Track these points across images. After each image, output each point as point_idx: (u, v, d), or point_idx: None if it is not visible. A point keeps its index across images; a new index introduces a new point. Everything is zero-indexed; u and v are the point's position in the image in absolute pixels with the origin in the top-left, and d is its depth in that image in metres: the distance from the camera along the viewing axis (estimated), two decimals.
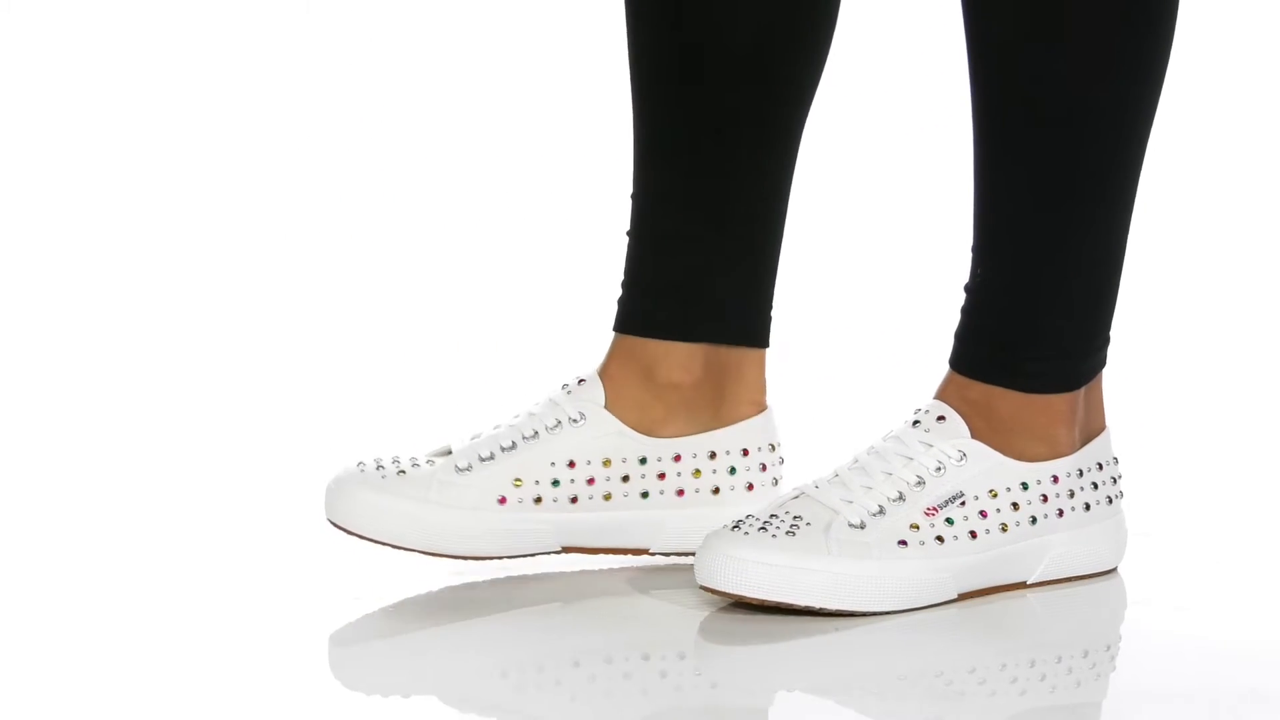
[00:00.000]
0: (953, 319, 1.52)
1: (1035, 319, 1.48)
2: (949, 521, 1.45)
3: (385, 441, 1.67)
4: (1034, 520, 1.48)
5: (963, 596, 1.47)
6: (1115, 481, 1.52)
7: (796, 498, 1.46)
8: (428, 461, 1.51)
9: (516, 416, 1.53)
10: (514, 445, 1.51)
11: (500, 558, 1.52)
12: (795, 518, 1.44)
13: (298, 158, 2.92)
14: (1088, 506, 1.50)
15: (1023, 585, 1.50)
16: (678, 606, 1.47)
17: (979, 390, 1.49)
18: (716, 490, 1.55)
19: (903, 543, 1.44)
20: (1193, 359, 2.41)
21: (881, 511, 1.44)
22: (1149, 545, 1.61)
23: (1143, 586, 1.54)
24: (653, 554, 1.56)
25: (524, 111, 2.89)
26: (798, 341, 1.76)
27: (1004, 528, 1.47)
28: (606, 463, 1.52)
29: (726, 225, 1.54)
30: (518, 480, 1.50)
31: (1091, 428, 1.51)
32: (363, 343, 2.51)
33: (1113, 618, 1.50)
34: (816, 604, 1.42)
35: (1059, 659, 1.39)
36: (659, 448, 1.53)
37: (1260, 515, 1.78)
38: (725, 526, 1.45)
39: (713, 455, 1.55)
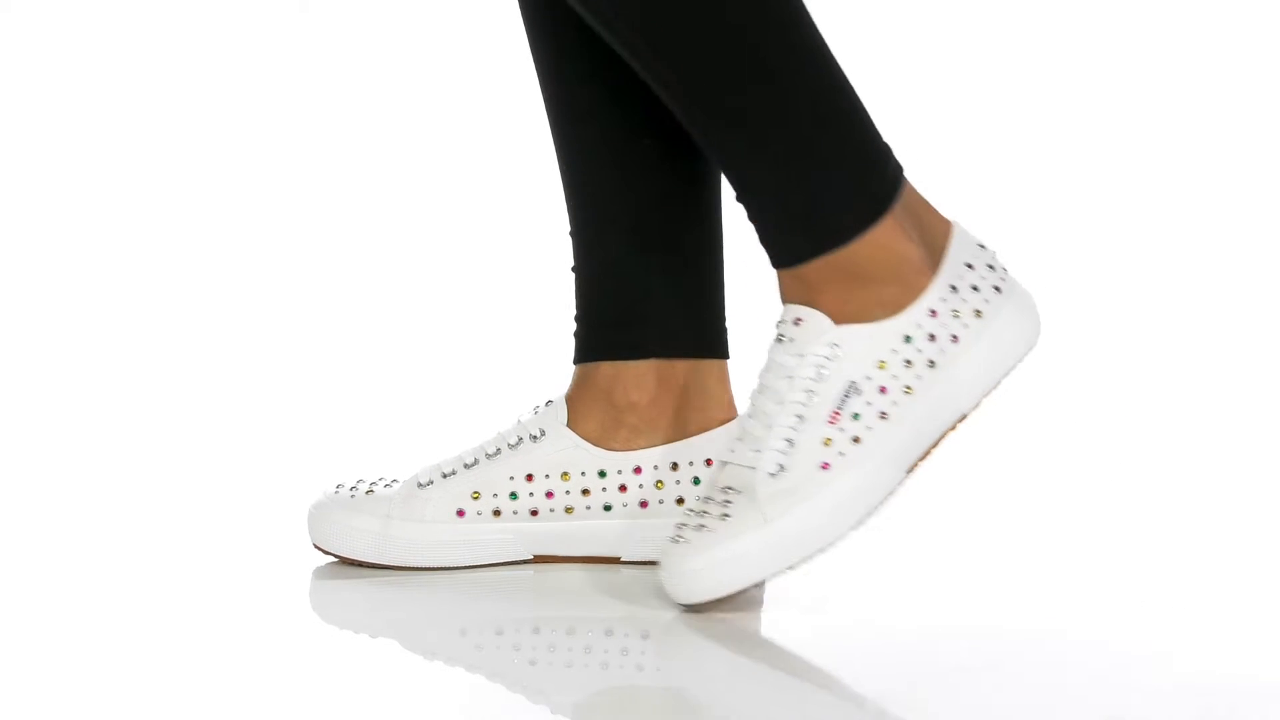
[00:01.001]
0: None
1: (790, 180, 1.41)
2: (855, 417, 1.40)
3: (382, 453, 1.71)
4: (932, 364, 1.42)
5: (921, 460, 1.42)
6: (992, 269, 1.44)
7: (723, 467, 1.43)
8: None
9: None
10: (476, 462, 1.53)
11: (467, 567, 1.53)
12: (726, 490, 1.41)
13: (281, 171, 2.92)
14: (978, 313, 1.43)
15: (963, 419, 1.43)
16: (646, 589, 1.46)
17: (811, 271, 1.42)
18: (681, 500, 1.53)
19: (825, 465, 1.39)
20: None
21: (790, 444, 1.40)
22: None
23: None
24: (624, 562, 1.53)
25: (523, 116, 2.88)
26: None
27: (908, 389, 1.40)
28: (565, 476, 1.52)
29: (660, 246, 1.54)
30: (476, 493, 1.52)
31: (936, 234, 1.44)
32: (364, 352, 2.51)
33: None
34: (775, 572, 1.39)
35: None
36: (617, 460, 1.53)
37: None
38: (669, 538, 1.42)
39: (674, 466, 1.53)
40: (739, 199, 1.44)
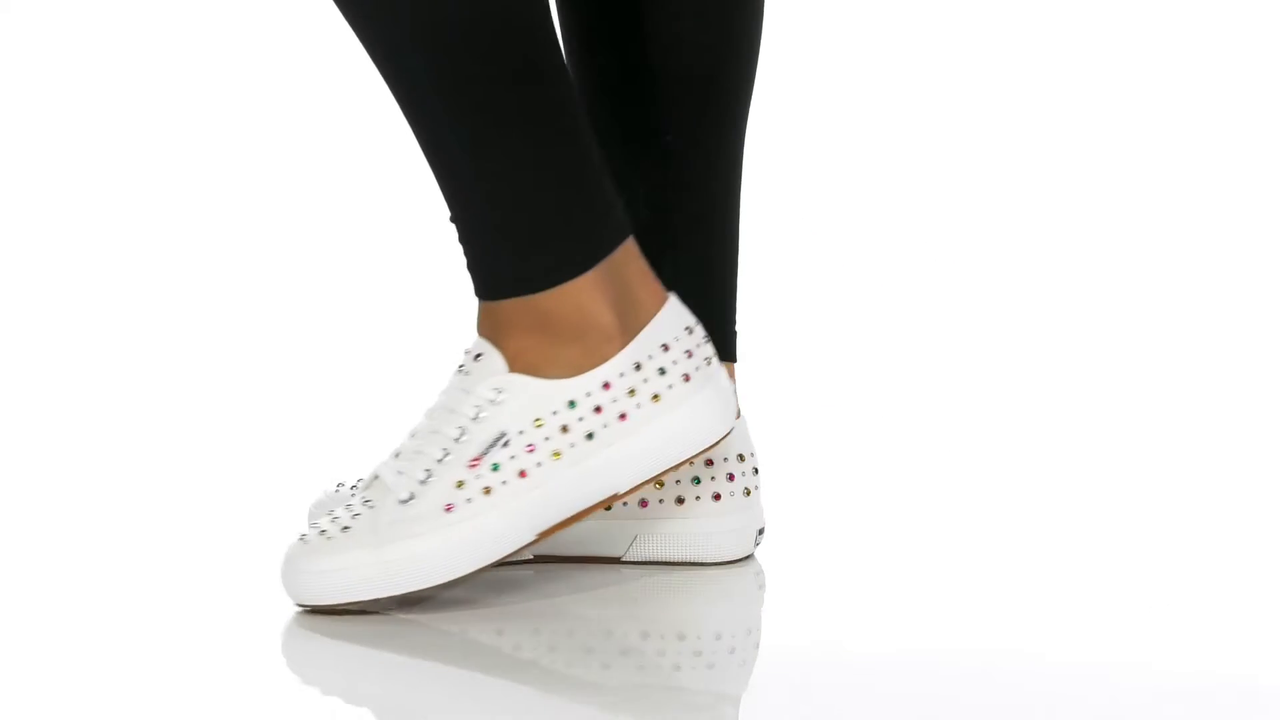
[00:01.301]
0: (924, 323, 1.50)
1: (499, 209, 1.40)
2: (495, 468, 1.39)
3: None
4: (590, 436, 1.40)
5: (543, 535, 1.40)
6: (693, 354, 1.43)
7: (374, 477, 1.41)
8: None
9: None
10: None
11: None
12: (365, 503, 1.40)
13: (275, 172, 2.91)
14: (656, 397, 1.41)
15: (616, 498, 1.42)
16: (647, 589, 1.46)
17: (504, 310, 1.41)
18: (681, 500, 1.51)
19: (449, 507, 1.38)
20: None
21: (429, 475, 1.39)
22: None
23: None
24: (624, 561, 1.51)
25: None
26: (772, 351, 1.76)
27: (556, 454, 1.39)
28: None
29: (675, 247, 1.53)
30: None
31: (641, 308, 1.42)
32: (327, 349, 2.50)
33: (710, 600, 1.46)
34: (372, 595, 1.38)
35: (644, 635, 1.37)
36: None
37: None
38: (302, 532, 1.42)
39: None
40: (452, 218, 1.41)
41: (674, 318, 1.43)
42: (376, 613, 1.39)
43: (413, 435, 1.41)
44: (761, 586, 1.47)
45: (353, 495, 1.42)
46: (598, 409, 1.40)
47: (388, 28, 1.38)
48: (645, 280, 1.43)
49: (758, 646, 1.38)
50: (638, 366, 1.41)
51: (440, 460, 1.39)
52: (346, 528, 1.38)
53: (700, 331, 1.45)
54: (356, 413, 2.15)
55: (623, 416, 1.41)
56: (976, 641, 1.37)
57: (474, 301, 1.43)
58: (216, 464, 1.94)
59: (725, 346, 1.54)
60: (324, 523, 1.40)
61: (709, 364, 1.44)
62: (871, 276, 2.64)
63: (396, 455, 1.41)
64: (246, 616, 1.42)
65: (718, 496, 1.51)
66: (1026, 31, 2.94)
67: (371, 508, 1.39)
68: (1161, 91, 2.90)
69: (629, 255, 1.42)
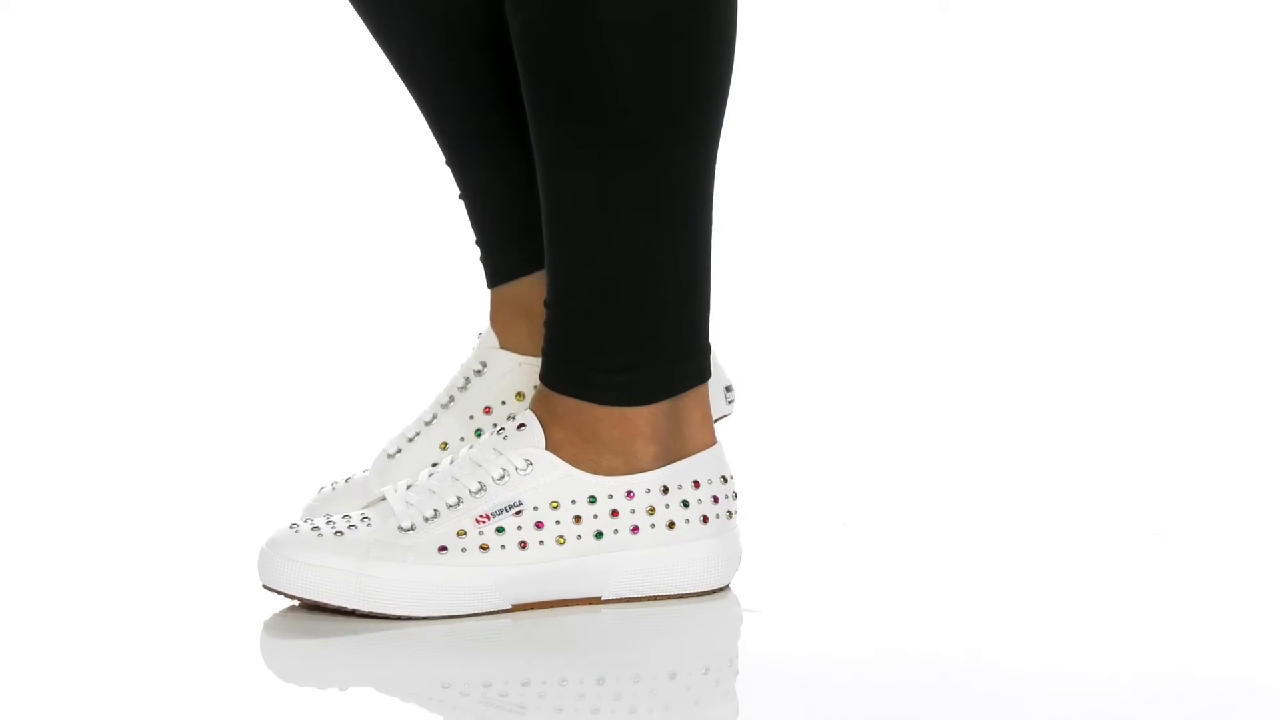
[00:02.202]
0: (894, 343, 1.50)
1: (601, 329, 1.45)
2: (499, 530, 1.44)
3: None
4: (599, 535, 1.46)
5: (518, 608, 1.45)
6: (720, 500, 1.49)
7: (381, 500, 1.46)
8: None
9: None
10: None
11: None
12: (363, 518, 1.44)
13: (268, 172, 2.92)
14: (672, 525, 1.47)
15: (597, 600, 1.47)
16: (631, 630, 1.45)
17: (561, 403, 1.46)
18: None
19: (443, 549, 1.43)
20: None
21: (435, 515, 1.43)
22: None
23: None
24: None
25: None
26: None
27: (560, 540, 1.44)
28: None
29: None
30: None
31: (688, 444, 1.48)
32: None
33: (692, 636, 1.46)
34: (339, 603, 1.42)
35: (636, 677, 1.35)
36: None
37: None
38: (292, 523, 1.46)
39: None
40: (552, 303, 1.46)
41: (714, 462, 1.49)
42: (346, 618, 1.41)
43: (431, 474, 1.46)
44: (742, 615, 1.47)
45: (358, 512, 1.46)
46: (614, 513, 1.46)
47: None
48: (702, 423, 1.49)
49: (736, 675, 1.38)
50: (665, 490, 1.47)
51: (451, 506, 1.43)
52: (340, 533, 1.42)
53: (733, 486, 1.50)
54: (349, 413, 2.15)
55: (635, 530, 1.46)
56: (965, 660, 1.37)
57: (465, 306, 1.46)
58: (209, 462, 1.95)
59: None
60: (320, 521, 1.44)
61: (730, 517, 1.49)
62: (854, 287, 2.64)
63: (409, 487, 1.45)
64: (225, 613, 1.45)
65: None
66: (1025, 31, 2.95)
67: (369, 525, 1.43)
68: (1161, 92, 2.91)
69: (697, 399, 1.48)
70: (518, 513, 1.44)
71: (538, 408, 1.47)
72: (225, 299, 2.64)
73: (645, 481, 1.46)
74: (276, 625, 1.44)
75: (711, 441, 1.49)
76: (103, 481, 1.88)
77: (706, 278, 1.47)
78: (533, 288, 1.56)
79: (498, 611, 1.44)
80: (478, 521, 1.43)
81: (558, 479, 1.45)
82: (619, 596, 1.47)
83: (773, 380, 2.22)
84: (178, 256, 2.76)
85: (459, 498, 1.43)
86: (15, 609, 1.51)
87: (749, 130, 2.66)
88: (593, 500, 1.45)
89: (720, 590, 1.48)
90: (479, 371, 1.56)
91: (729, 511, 1.49)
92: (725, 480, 1.49)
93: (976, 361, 2.32)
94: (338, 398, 2.24)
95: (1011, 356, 2.35)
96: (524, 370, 1.56)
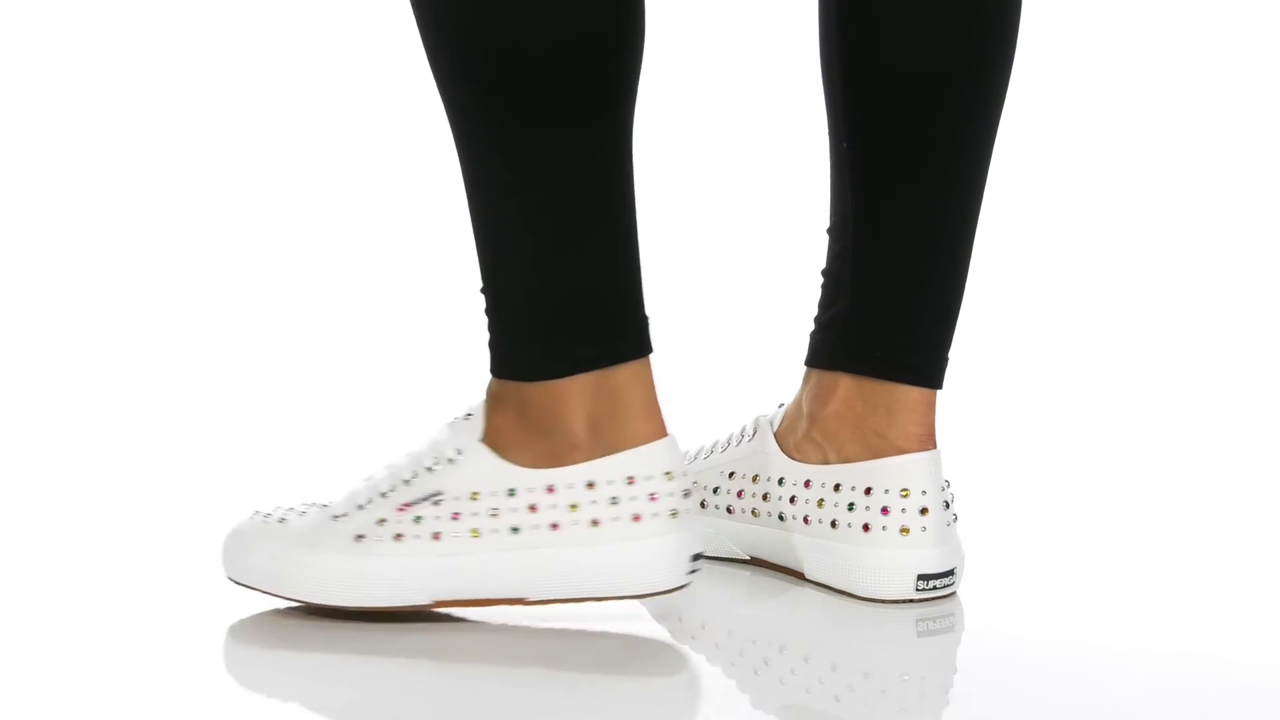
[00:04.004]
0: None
1: (521, 305, 1.39)
2: (417, 520, 1.38)
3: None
4: (515, 530, 1.38)
5: (441, 604, 1.39)
6: (659, 498, 1.37)
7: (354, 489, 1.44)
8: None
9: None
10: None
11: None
12: (322, 506, 1.42)
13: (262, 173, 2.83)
14: (595, 522, 1.37)
15: (522, 601, 1.39)
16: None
17: (498, 387, 1.41)
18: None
19: (360, 537, 1.39)
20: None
21: (367, 504, 1.40)
22: None
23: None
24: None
25: None
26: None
27: (474, 533, 1.38)
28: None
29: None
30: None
31: (627, 436, 1.37)
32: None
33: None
34: (257, 587, 1.41)
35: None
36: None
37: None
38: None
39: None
40: (484, 288, 1.40)
41: (657, 457, 1.37)
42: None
43: (387, 465, 1.41)
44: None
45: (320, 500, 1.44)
46: (532, 508, 1.37)
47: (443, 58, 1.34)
48: (647, 410, 1.38)
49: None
50: (590, 485, 1.37)
51: (383, 495, 1.39)
52: (283, 520, 1.41)
53: (682, 483, 1.38)
54: (343, 412, 2.15)
55: (554, 526, 1.37)
56: (978, 641, 1.37)
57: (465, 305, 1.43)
58: (218, 459, 1.93)
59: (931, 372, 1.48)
60: (285, 509, 1.43)
61: (673, 516, 1.37)
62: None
63: (367, 478, 1.41)
64: (191, 602, 1.45)
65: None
66: (1025, 32, 2.85)
67: (319, 510, 1.41)
68: (1161, 92, 2.89)
69: (635, 378, 1.38)
70: (437, 503, 1.38)
71: (487, 396, 1.40)
72: (225, 299, 2.59)
73: (568, 476, 1.37)
74: (261, 619, 1.41)
75: (657, 434, 1.38)
76: (99, 480, 1.85)
77: (627, 249, 1.38)
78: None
79: (420, 606, 1.38)
80: (399, 510, 1.38)
81: (481, 470, 1.37)
82: (545, 598, 1.38)
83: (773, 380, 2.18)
84: (178, 256, 2.71)
85: (392, 487, 1.38)
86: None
87: (754, 131, 2.57)
88: (511, 493, 1.37)
89: (668, 592, 1.37)
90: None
91: (673, 510, 1.36)
92: (669, 477, 1.37)
93: (976, 362, 2.30)
94: (335, 398, 2.24)
95: (1011, 356, 2.37)
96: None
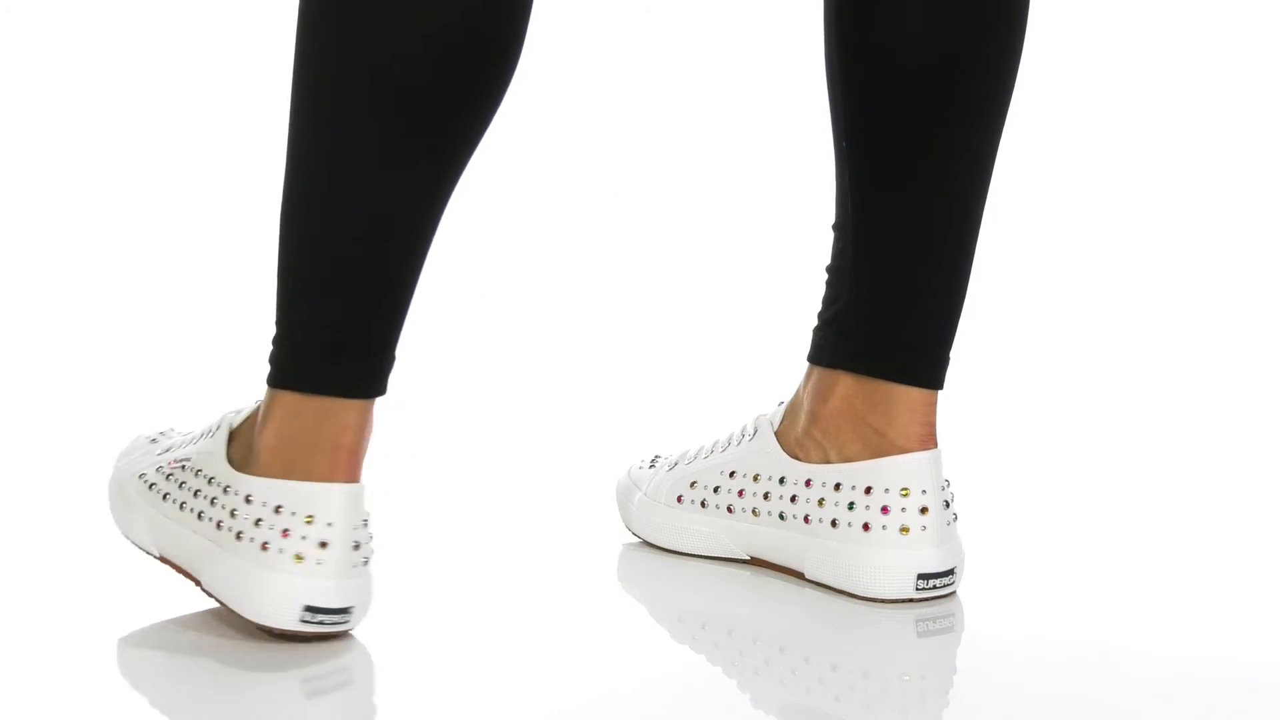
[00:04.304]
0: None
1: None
2: (158, 469, 1.43)
3: None
4: (200, 516, 1.39)
5: (164, 560, 1.43)
6: (288, 534, 1.31)
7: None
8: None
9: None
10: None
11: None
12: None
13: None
14: (265, 546, 1.32)
15: (195, 580, 1.39)
16: None
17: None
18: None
19: (141, 475, 1.44)
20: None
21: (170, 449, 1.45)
22: None
23: None
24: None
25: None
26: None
27: (163, 496, 1.42)
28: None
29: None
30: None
31: (308, 466, 1.33)
32: None
33: None
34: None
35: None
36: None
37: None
38: None
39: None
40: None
41: (318, 497, 1.31)
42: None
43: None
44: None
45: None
46: (185, 487, 1.39)
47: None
48: (333, 451, 1.33)
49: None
50: (226, 490, 1.36)
51: (182, 444, 1.43)
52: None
53: (319, 531, 1.32)
54: None
55: (218, 525, 1.36)
56: (978, 643, 1.37)
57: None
58: None
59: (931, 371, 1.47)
60: None
61: (281, 554, 1.31)
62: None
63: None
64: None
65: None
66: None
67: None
68: (1161, 92, 2.89)
69: (324, 415, 1.33)
70: (181, 467, 1.40)
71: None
72: (226, 298, 2.54)
73: (222, 480, 1.36)
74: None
75: (331, 475, 1.32)
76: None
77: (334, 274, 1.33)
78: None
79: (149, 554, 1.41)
80: (167, 463, 1.42)
81: (200, 447, 1.40)
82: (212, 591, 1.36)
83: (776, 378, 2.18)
84: (177, 256, 2.69)
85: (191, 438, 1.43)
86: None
87: (760, 127, 2.57)
88: (183, 470, 1.40)
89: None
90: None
91: (263, 543, 1.32)
92: (299, 516, 1.32)
93: (976, 361, 2.29)
94: None
95: (1012, 356, 2.36)
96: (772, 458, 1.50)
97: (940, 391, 1.47)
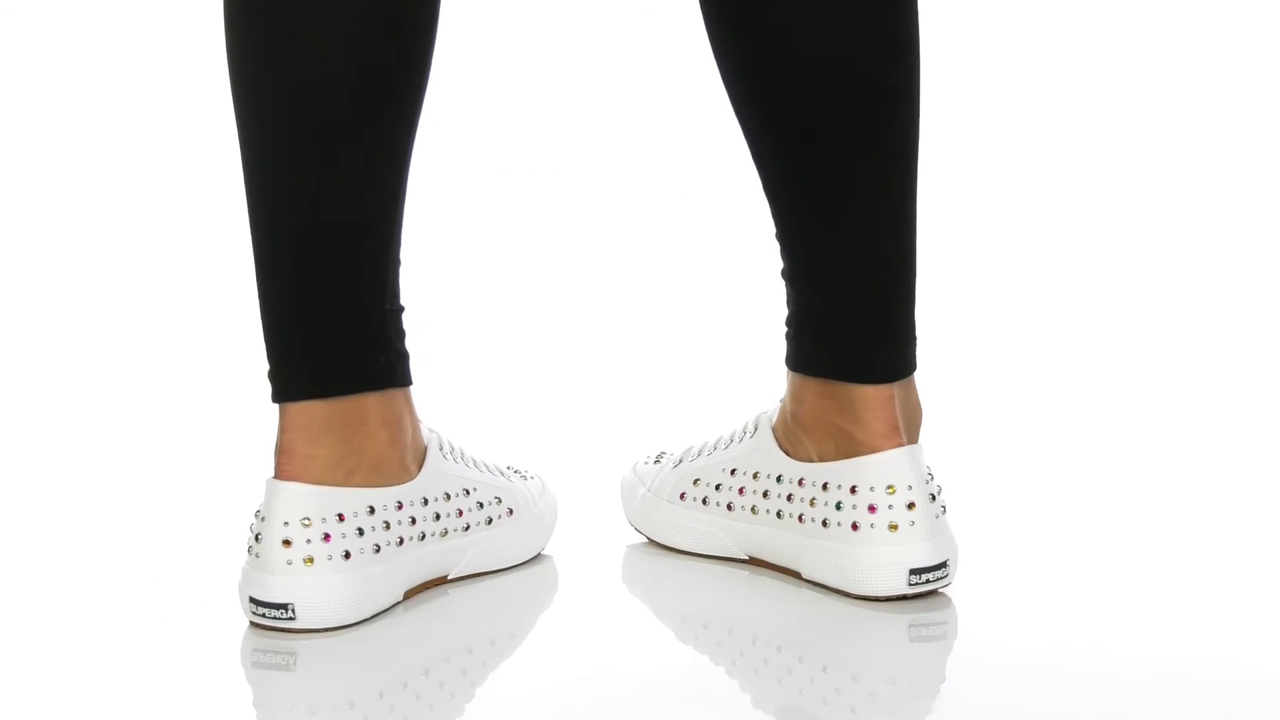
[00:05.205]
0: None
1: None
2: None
3: None
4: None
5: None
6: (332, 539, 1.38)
7: None
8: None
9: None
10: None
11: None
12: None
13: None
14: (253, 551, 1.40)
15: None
16: None
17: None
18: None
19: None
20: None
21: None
22: None
23: None
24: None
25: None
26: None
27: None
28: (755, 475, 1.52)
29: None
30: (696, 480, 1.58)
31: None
32: None
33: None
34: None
35: None
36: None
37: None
38: None
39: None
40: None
41: (289, 496, 1.38)
42: None
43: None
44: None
45: None
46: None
47: None
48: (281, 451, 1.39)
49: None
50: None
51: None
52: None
53: (350, 524, 1.39)
54: None
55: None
56: (979, 644, 1.37)
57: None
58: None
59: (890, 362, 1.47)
60: None
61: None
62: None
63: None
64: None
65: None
66: (1025, 34, 2.86)
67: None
68: (1161, 92, 2.88)
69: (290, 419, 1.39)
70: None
71: None
72: (225, 298, 2.53)
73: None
74: None
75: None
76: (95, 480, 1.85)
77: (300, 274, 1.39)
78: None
79: None
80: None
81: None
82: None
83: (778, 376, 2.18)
84: (179, 256, 2.71)
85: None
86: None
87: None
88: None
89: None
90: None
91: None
92: (297, 523, 1.37)
93: (975, 362, 2.31)
94: None
95: (1010, 357, 2.35)
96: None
97: (934, 388, 1.47)
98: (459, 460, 1.50)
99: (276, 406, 1.41)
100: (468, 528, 1.48)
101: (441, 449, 1.48)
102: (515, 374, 2.29)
